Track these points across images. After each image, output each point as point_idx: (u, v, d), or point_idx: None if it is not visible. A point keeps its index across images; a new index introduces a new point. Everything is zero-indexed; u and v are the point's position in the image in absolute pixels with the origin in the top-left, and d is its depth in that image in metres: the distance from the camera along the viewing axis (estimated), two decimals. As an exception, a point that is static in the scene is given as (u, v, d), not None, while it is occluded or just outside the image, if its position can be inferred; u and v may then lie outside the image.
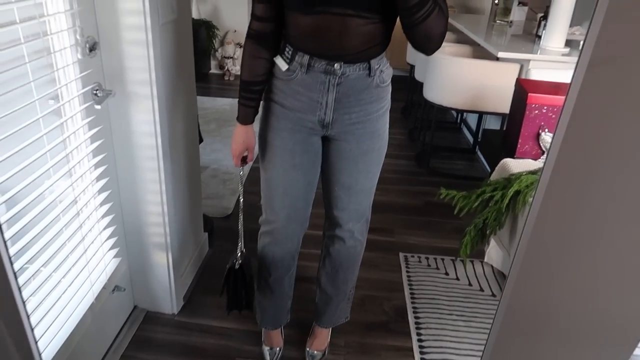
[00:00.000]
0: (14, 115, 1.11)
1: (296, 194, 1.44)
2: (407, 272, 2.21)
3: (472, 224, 1.84)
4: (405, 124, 4.15)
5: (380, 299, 2.06)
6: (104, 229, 1.59)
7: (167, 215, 1.73)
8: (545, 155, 2.05)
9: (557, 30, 2.74)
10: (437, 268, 2.25)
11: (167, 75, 1.62)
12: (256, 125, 1.44)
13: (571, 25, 2.80)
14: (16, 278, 0.86)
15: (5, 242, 0.74)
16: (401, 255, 2.34)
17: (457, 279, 2.18)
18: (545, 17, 2.97)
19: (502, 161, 1.99)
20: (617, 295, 0.85)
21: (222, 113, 4.13)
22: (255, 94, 1.37)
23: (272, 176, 1.43)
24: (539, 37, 3.04)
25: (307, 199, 1.48)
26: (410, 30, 1.15)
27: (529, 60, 2.72)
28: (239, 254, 1.56)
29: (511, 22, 3.87)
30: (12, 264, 0.89)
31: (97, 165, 1.51)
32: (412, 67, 4.02)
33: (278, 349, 1.77)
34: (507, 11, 3.98)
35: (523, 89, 2.13)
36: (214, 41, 5.19)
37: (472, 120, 3.90)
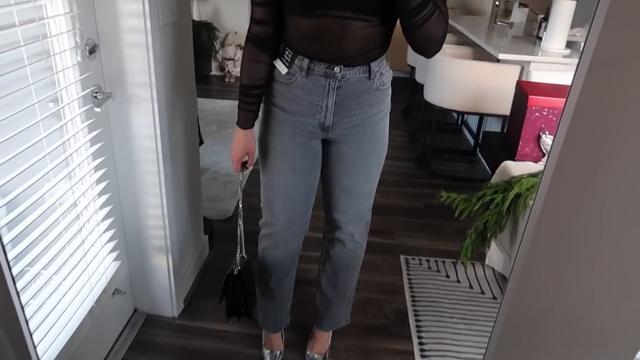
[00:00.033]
0: (13, 118, 1.11)
1: (296, 198, 1.44)
2: (408, 274, 2.21)
3: (473, 227, 1.83)
4: (406, 125, 4.15)
5: (380, 302, 2.05)
6: (104, 231, 1.59)
7: (167, 218, 1.73)
8: (546, 157, 2.05)
9: (558, 32, 2.73)
10: (438, 271, 2.25)
11: (167, 78, 1.62)
12: (256, 129, 1.44)
13: (572, 27, 2.79)
14: (14, 283, 0.86)
15: (3, 246, 0.73)
16: (402, 257, 2.34)
17: (458, 281, 2.18)
18: (546, 19, 2.96)
19: (502, 164, 1.98)
20: (618, 299, 0.84)
21: (223, 115, 4.13)
22: (255, 97, 1.36)
23: (272, 180, 1.42)
24: (540, 38, 3.04)
25: (307, 202, 1.47)
26: (410, 33, 1.14)
27: (529, 62, 2.72)
28: (238, 260, 1.55)
29: (512, 23, 3.86)
30: (10, 268, 0.89)
31: (97, 168, 1.51)
32: (413, 68, 4.01)
33: (279, 352, 1.76)
34: (507, 13, 3.97)
35: (523, 91, 2.12)
36: (215, 43, 5.20)
37: (472, 122, 3.90)
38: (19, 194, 1.14)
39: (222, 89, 4.99)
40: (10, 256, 1.16)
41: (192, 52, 1.90)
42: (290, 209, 1.45)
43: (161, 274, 1.83)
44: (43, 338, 1.28)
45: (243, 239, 1.57)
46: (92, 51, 1.44)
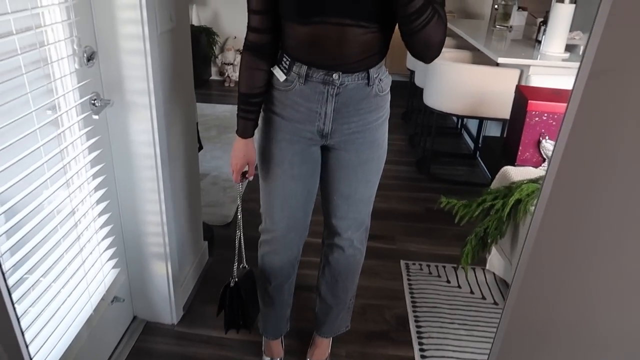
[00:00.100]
0: (11, 126, 1.11)
1: (295, 204, 1.43)
2: (409, 280, 2.20)
3: (473, 232, 1.83)
4: (406, 129, 4.15)
5: (381, 308, 2.04)
6: (103, 239, 1.58)
7: (166, 225, 1.72)
8: (546, 162, 2.04)
9: (557, 35, 2.73)
10: (439, 276, 2.24)
11: (165, 84, 1.62)
12: (255, 136, 1.43)
13: (571, 30, 2.79)
14: (10, 293, 0.85)
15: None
16: (402, 263, 2.33)
17: (459, 286, 2.17)
18: (545, 22, 2.96)
19: (502, 169, 1.98)
20: (621, 307, 0.84)
21: (223, 120, 4.13)
22: (254, 106, 1.35)
23: (271, 186, 1.42)
24: (539, 42, 3.04)
25: (307, 209, 1.47)
26: (409, 38, 1.13)
27: (529, 66, 2.71)
28: (235, 272, 1.54)
29: (511, 27, 3.86)
30: (5, 279, 0.88)
31: (95, 176, 1.51)
32: (412, 72, 4.01)
33: (279, 359, 1.76)
34: (506, 16, 3.97)
35: (523, 96, 2.12)
36: (214, 48, 5.20)
37: (472, 125, 3.89)
38: (17, 202, 1.14)
39: (222, 94, 4.99)
40: (8, 265, 1.15)
41: (191, 58, 1.89)
42: (290, 215, 1.45)
43: (160, 281, 1.82)
44: (41, 347, 1.27)
45: (243, 250, 1.55)
46: (90, 58, 1.44)
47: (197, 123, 2.07)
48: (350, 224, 1.49)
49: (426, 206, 2.90)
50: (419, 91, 3.47)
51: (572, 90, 0.75)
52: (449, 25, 4.06)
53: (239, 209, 1.50)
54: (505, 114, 2.66)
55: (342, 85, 1.25)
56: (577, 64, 2.53)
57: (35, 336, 1.25)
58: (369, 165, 1.40)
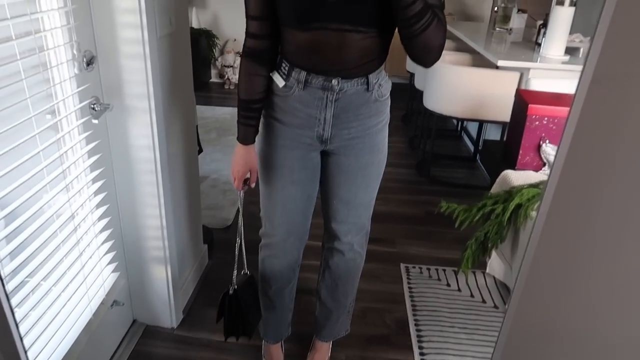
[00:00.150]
0: (11, 131, 1.11)
1: (295, 209, 1.43)
2: (409, 283, 2.20)
3: (474, 237, 1.82)
4: (406, 131, 4.15)
5: (381, 311, 2.04)
6: (103, 243, 1.58)
7: (165, 229, 1.72)
8: (546, 166, 2.04)
9: (557, 38, 2.73)
10: (439, 279, 2.23)
11: (165, 88, 1.62)
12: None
13: (571, 33, 2.79)
14: (8, 299, 0.85)
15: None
16: (402, 266, 2.33)
17: (459, 290, 2.16)
18: (544, 25, 2.96)
19: (502, 173, 1.97)
20: (623, 313, 0.83)
21: (223, 122, 4.13)
22: (255, 112, 1.33)
23: (271, 191, 1.42)
24: (539, 44, 3.04)
25: (306, 213, 1.47)
26: (409, 42, 1.13)
27: (529, 69, 2.71)
28: (234, 279, 1.53)
29: (511, 29, 3.87)
30: (4, 285, 0.88)
31: (95, 180, 1.50)
32: (412, 75, 4.02)
33: (278, 363, 1.75)
34: (506, 18, 3.98)
35: (523, 99, 2.12)
36: (214, 50, 5.21)
37: (472, 128, 3.89)
38: (17, 207, 1.13)
39: (222, 96, 4.99)
40: (8, 269, 1.15)
41: (191, 61, 1.89)
42: (289, 220, 1.44)
43: (160, 285, 1.82)
44: (41, 351, 1.27)
45: (244, 256, 1.55)
46: (89, 63, 1.44)
47: (196, 126, 2.06)
48: (350, 228, 1.49)
49: (426, 209, 2.90)
50: (419, 94, 3.47)
51: (574, 96, 0.75)
52: (448, 27, 4.05)
53: (240, 216, 1.49)
54: (505, 116, 2.66)
55: (341, 91, 1.25)
56: (577, 67, 2.53)
57: (35, 341, 1.25)
58: (368, 170, 1.39)
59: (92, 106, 1.46)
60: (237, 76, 5.02)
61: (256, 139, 1.40)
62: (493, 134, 3.50)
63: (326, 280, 1.62)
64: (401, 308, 2.06)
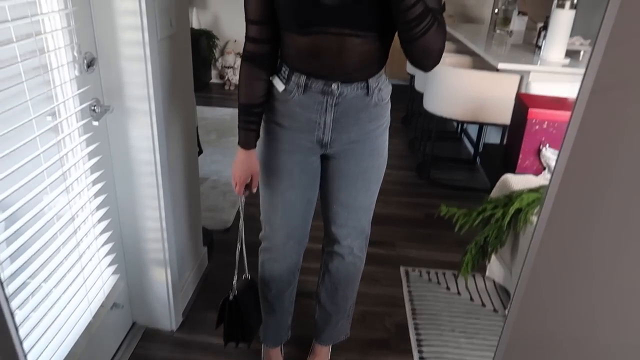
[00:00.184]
0: (11, 133, 1.10)
1: (295, 213, 1.42)
2: (408, 286, 2.19)
3: (473, 241, 1.82)
4: (406, 133, 4.15)
5: (381, 315, 2.04)
6: (102, 245, 1.57)
7: (165, 231, 1.72)
8: (546, 170, 2.04)
9: (557, 41, 2.73)
10: (439, 283, 2.23)
11: (165, 90, 1.62)
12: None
13: (571, 36, 2.79)
14: (8, 302, 0.85)
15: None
16: (402, 269, 2.32)
17: (459, 293, 2.16)
18: (545, 27, 2.96)
19: (502, 177, 1.97)
20: (624, 319, 0.83)
21: (223, 123, 4.13)
22: (255, 116, 1.33)
23: (271, 195, 1.41)
24: (539, 47, 3.04)
25: (306, 217, 1.46)
26: (408, 45, 1.13)
27: (529, 72, 2.71)
28: (235, 285, 1.52)
29: (511, 31, 3.87)
30: (4, 287, 0.87)
31: (95, 182, 1.50)
32: (412, 77, 4.02)
33: (278, 366, 1.75)
34: (507, 21, 3.98)
35: (523, 103, 2.11)
36: (215, 51, 5.20)
37: (472, 130, 3.89)
38: (17, 210, 1.13)
39: (222, 97, 4.99)
40: (8, 272, 1.15)
41: (191, 63, 1.89)
42: (289, 224, 1.44)
43: (160, 287, 1.81)
44: (40, 354, 1.27)
45: (245, 261, 1.54)
46: (90, 65, 1.44)
47: (197, 127, 2.06)
48: (349, 232, 1.49)
49: (426, 212, 2.90)
50: (419, 96, 3.47)
51: (575, 104, 0.74)
52: (449, 29, 4.05)
53: (241, 220, 1.49)
54: (505, 119, 2.66)
55: (341, 95, 1.24)
56: (577, 70, 2.52)
57: (34, 344, 1.25)
58: (368, 173, 1.39)
59: (93, 108, 1.46)
60: (237, 77, 5.03)
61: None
62: (493, 136, 3.50)
63: (326, 284, 1.62)
64: (401, 312, 2.06)
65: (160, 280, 1.80)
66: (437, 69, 2.83)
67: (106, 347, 1.72)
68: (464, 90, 2.90)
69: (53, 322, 1.32)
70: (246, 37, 1.28)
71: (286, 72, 1.26)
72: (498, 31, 3.96)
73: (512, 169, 2.13)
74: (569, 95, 2.26)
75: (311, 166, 1.38)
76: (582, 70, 0.71)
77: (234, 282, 1.52)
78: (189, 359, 1.78)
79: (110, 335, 1.75)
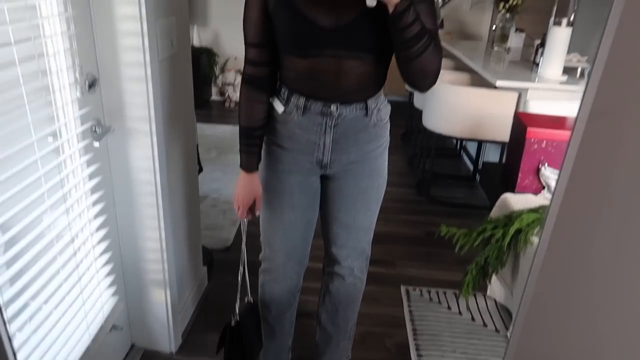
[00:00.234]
0: (13, 153, 1.11)
1: (295, 234, 1.42)
2: (409, 306, 2.18)
3: (474, 262, 1.82)
4: (405, 150, 4.15)
5: (381, 335, 2.02)
6: (102, 266, 1.57)
7: (165, 252, 1.71)
8: (545, 190, 2.04)
9: (555, 58, 2.75)
10: (439, 302, 2.22)
11: (166, 110, 1.62)
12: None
13: (568, 52, 2.81)
14: (6, 325, 0.84)
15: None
16: (402, 288, 2.31)
17: (460, 313, 2.15)
18: (542, 44, 2.99)
19: (502, 196, 1.97)
20: (626, 339, 0.83)
21: (223, 140, 4.13)
22: (257, 139, 1.34)
23: (271, 216, 1.41)
24: (537, 64, 3.06)
25: (306, 238, 1.46)
26: (406, 65, 1.14)
27: (527, 89, 2.73)
28: (237, 310, 1.51)
29: (509, 48, 3.90)
30: (2, 313, 0.87)
31: (95, 203, 1.50)
32: (411, 93, 4.04)
33: (278, 388, 1.73)
34: (504, 38, 4.02)
35: (522, 123, 2.12)
36: (215, 68, 5.24)
37: (472, 146, 3.90)
38: (17, 232, 1.13)
39: (222, 114, 5.01)
40: (7, 295, 1.14)
41: (192, 82, 1.90)
42: (289, 244, 1.44)
43: (159, 309, 1.80)
44: (37, 379, 1.25)
45: (248, 283, 1.53)
46: (91, 85, 1.44)
47: (197, 145, 2.07)
48: (350, 253, 1.48)
49: (426, 229, 2.89)
50: (418, 113, 3.49)
51: (574, 127, 0.75)
52: (447, 46, 4.08)
53: (243, 245, 1.48)
54: (504, 136, 2.67)
55: (340, 117, 1.25)
56: (575, 87, 2.53)
57: (32, 369, 1.23)
58: (368, 194, 1.39)
59: (94, 129, 1.46)
60: (237, 94, 5.05)
61: None
62: (492, 152, 3.51)
63: (326, 305, 1.61)
64: (402, 332, 2.04)
65: (160, 301, 1.78)
66: (436, 86, 2.85)
67: (104, 370, 1.70)
68: (462, 107, 2.91)
69: (52, 345, 1.31)
70: (245, 60, 1.29)
71: (285, 94, 1.27)
72: (496, 48, 4.00)
73: (512, 188, 2.13)
74: (568, 114, 2.27)
75: (311, 187, 1.38)
76: (579, 88, 0.72)
77: (236, 306, 1.51)
78: (188, 381, 1.76)
79: (109, 357, 1.73)
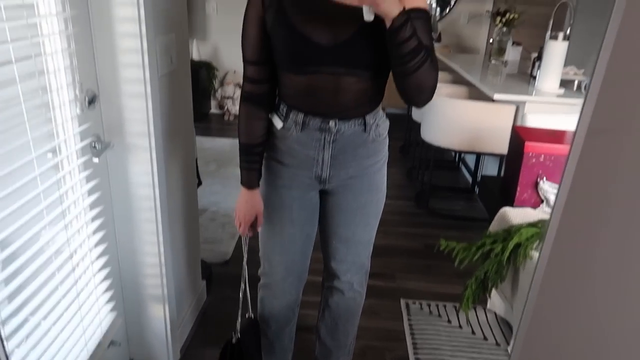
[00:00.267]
0: (12, 170, 1.11)
1: (294, 249, 1.42)
2: (409, 320, 2.17)
3: (473, 276, 1.81)
4: (404, 162, 4.16)
5: (381, 350, 2.01)
6: (100, 282, 1.56)
7: (164, 266, 1.71)
8: (544, 203, 2.04)
9: (552, 72, 2.77)
10: (439, 315, 2.21)
11: (165, 126, 1.63)
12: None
13: (565, 65, 2.83)
14: (4, 343, 0.84)
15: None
16: (402, 302, 2.30)
17: (460, 327, 2.14)
18: (539, 58, 3.01)
19: (501, 210, 1.97)
20: (629, 353, 0.83)
21: (222, 153, 4.14)
22: (257, 155, 1.34)
23: (270, 231, 1.41)
24: (534, 77, 3.08)
25: (306, 252, 1.46)
26: (402, 80, 1.14)
27: (524, 102, 2.75)
28: (238, 327, 1.50)
29: (506, 61, 3.93)
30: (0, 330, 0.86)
31: (94, 218, 1.50)
32: (410, 106, 4.06)
33: (277, 404, 1.71)
34: (501, 51, 4.05)
35: (519, 137, 2.13)
36: (214, 81, 5.26)
37: (470, 159, 3.91)
38: (16, 249, 1.13)
39: (221, 127, 5.02)
40: (5, 313, 1.13)
41: (191, 97, 1.91)
42: (288, 259, 1.44)
43: (158, 324, 1.79)
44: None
45: (249, 301, 1.52)
46: (91, 102, 1.45)
47: (196, 158, 2.07)
48: (349, 267, 1.48)
49: (425, 242, 2.88)
50: (417, 125, 3.50)
51: (572, 143, 0.75)
52: (445, 60, 4.10)
53: (244, 262, 1.48)
54: (502, 149, 2.68)
55: (338, 132, 1.26)
56: (572, 101, 2.54)
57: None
58: (367, 209, 1.39)
59: (93, 145, 1.47)
60: (236, 107, 5.08)
61: None
62: (491, 165, 3.52)
63: (326, 320, 1.60)
64: (402, 346, 2.03)
65: (159, 316, 1.78)
66: (434, 99, 2.87)
67: (102, 386, 1.69)
68: (460, 120, 2.93)
69: (49, 362, 1.30)
70: (244, 77, 1.30)
71: (284, 110, 1.28)
72: (493, 61, 4.02)
73: (510, 202, 2.14)
74: (566, 127, 2.28)
75: (310, 202, 1.38)
76: (576, 101, 0.73)
77: (238, 323, 1.50)
78: (187, 397, 1.75)
79: (107, 373, 1.72)
